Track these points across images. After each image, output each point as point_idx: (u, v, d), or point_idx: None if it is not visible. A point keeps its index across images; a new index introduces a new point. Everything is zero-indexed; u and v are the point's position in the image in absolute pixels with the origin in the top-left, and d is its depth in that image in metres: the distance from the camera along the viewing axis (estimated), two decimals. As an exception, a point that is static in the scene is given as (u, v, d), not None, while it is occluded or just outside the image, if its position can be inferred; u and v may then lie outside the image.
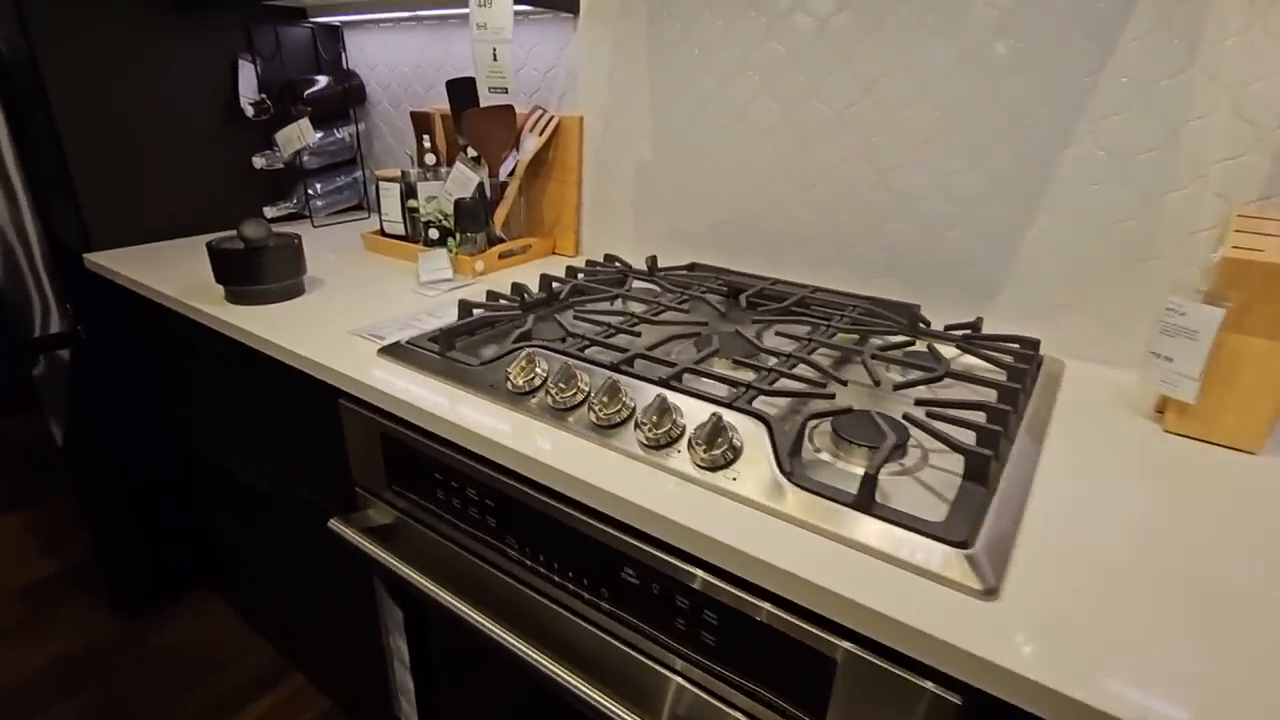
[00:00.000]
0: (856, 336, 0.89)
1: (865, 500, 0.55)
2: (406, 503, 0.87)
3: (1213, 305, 0.66)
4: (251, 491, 1.25)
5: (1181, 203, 0.82)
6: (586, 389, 0.72)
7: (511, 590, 0.77)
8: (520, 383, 0.74)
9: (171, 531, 1.62)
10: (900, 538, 0.53)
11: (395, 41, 1.56)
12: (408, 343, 0.88)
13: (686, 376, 0.73)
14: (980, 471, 0.58)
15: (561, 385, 0.71)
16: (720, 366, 0.82)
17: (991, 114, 0.91)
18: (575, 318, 0.90)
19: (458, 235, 1.23)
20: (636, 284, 1.13)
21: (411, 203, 1.30)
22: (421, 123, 1.39)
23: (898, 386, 0.71)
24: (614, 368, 0.74)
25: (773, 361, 0.77)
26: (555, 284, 1.07)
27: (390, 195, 1.33)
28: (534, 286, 1.10)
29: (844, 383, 0.71)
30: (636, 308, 0.98)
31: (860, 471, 0.57)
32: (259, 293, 1.05)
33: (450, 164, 1.28)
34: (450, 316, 0.99)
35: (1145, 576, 0.51)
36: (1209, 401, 0.69)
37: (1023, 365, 0.78)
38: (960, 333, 0.91)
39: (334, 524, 0.87)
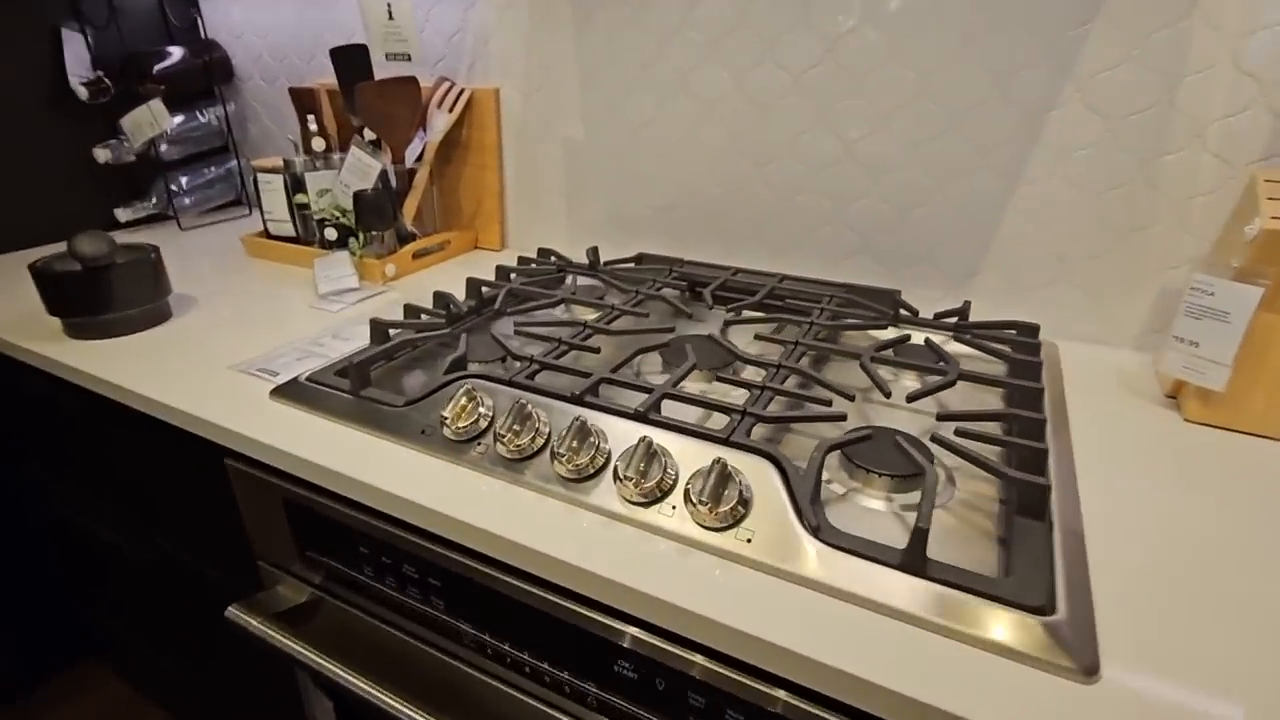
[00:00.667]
0: (844, 334, 0.79)
1: (916, 561, 0.44)
2: (324, 575, 0.70)
3: (1248, 284, 0.59)
4: (131, 563, 1.04)
5: (1177, 166, 0.75)
6: (546, 430, 0.58)
7: (469, 681, 0.62)
8: (461, 427, 0.59)
9: (39, 606, 1.36)
10: (960, 604, 0.42)
11: (263, 3, 1.31)
12: (309, 379, 0.71)
13: (667, 404, 0.60)
14: (1038, 506, 0.49)
15: (515, 428, 0.57)
16: (699, 383, 0.70)
17: (969, 74, 0.81)
18: (517, 332, 0.75)
19: (361, 235, 1.04)
20: (581, 282, 0.99)
21: (300, 198, 1.09)
22: (304, 101, 1.17)
23: (911, 397, 0.61)
24: (577, 399, 0.60)
25: (761, 375, 0.66)
26: (485, 289, 0.91)
27: (272, 190, 1.12)
28: (460, 293, 0.93)
29: (850, 397, 0.60)
30: (586, 314, 0.84)
31: (880, 505, 0.46)
32: (107, 323, 0.84)
33: (344, 149, 1.08)
34: (361, 339, 0.82)
35: (1251, 614, 0.43)
36: (1234, 386, 0.63)
37: (1031, 358, 0.70)
38: (952, 320, 0.82)
39: (233, 612, 0.69)
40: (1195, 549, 0.49)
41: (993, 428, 0.62)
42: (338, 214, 1.06)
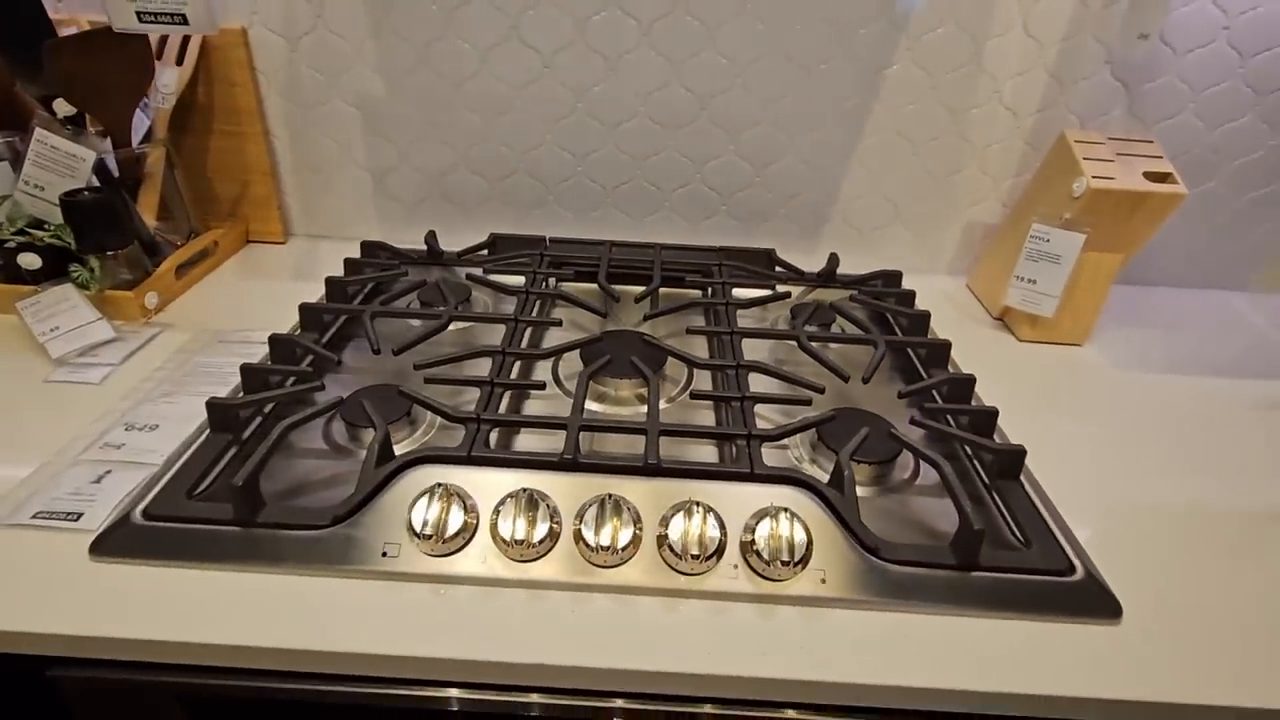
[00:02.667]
0: (758, 310, 0.80)
1: (970, 556, 0.49)
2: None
3: (1075, 231, 0.73)
4: None
5: (981, 118, 0.87)
6: (552, 511, 0.49)
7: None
8: (449, 537, 0.48)
9: None
10: (1006, 587, 0.48)
11: None
12: (146, 514, 0.50)
13: (665, 442, 0.55)
14: (1015, 467, 0.57)
15: (527, 520, 0.47)
16: (675, 403, 0.65)
17: (815, 29, 0.82)
18: (426, 381, 0.61)
19: (91, 262, 0.73)
20: (441, 277, 0.82)
21: (-44, 215, 0.72)
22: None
23: (865, 379, 0.65)
24: (571, 463, 0.52)
25: (722, 379, 0.64)
26: (326, 315, 0.72)
27: (-113, 202, 0.72)
28: (271, 317, 0.73)
29: (820, 389, 0.62)
30: (489, 336, 0.72)
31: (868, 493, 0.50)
32: None
33: (20, 133, 0.72)
34: (173, 420, 0.60)
35: (1195, 520, 0.56)
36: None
37: (915, 311, 0.78)
38: (825, 274, 0.87)
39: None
40: (1113, 470, 0.62)
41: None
42: (38, 232, 0.72)
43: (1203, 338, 0.86)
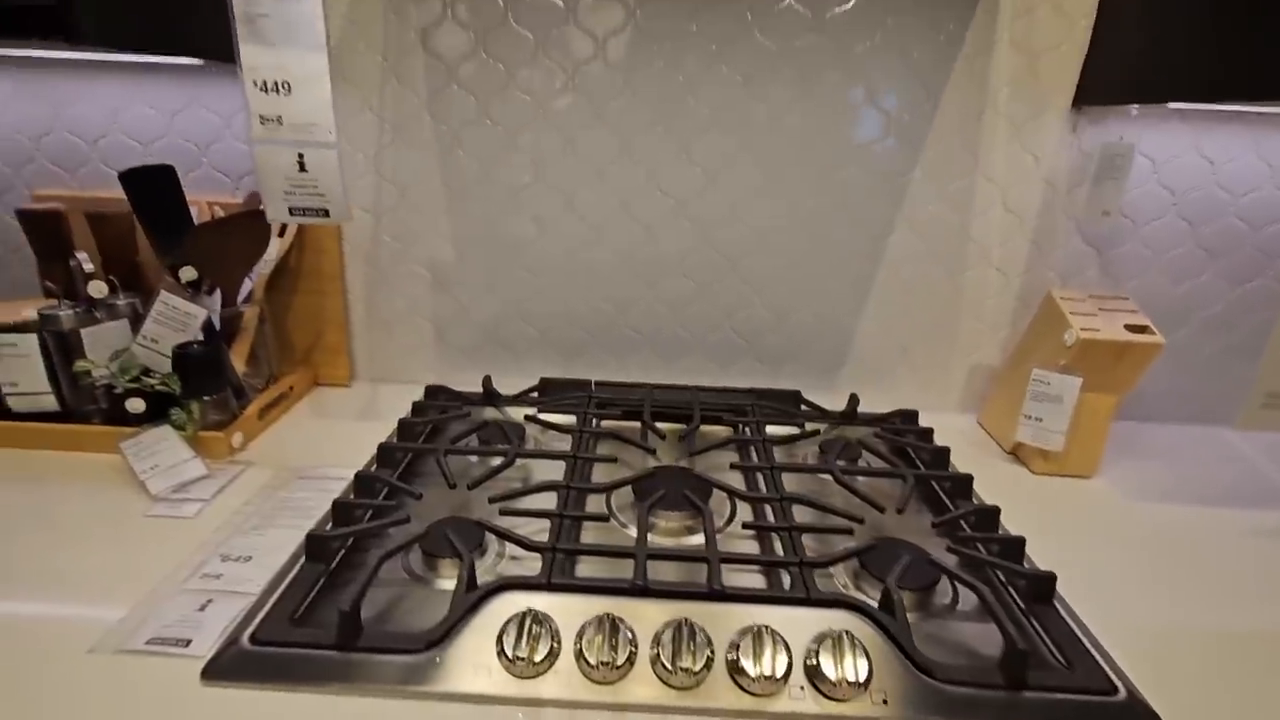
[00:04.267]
0: (790, 446, 0.87)
1: (1019, 677, 0.52)
2: None
3: (1071, 375, 0.82)
4: None
5: (974, 279, 1.00)
6: (631, 637, 0.54)
7: None
8: (537, 661, 0.52)
9: None
10: (1056, 707, 0.52)
11: (-72, 88, 0.94)
12: (253, 640, 0.54)
13: (724, 571, 0.60)
14: (1048, 592, 0.61)
15: (611, 645, 0.52)
16: (723, 534, 0.71)
17: (827, 204, 0.96)
18: (502, 513, 0.67)
19: (190, 405, 0.81)
20: (499, 418, 0.90)
21: (81, 364, 0.81)
22: (47, 227, 0.87)
23: (900, 509, 0.71)
24: (641, 589, 0.57)
25: (767, 511, 0.70)
26: (400, 453, 0.79)
27: (18, 355, 0.81)
28: (340, 450, 0.80)
29: (860, 520, 0.68)
30: (550, 470, 0.78)
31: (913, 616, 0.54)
32: None
33: (127, 289, 0.83)
34: (264, 551, 0.65)
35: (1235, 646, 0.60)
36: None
37: (934, 445, 0.85)
38: (848, 413, 0.95)
39: None
40: (1138, 594, 0.67)
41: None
42: (148, 379, 0.81)
43: (1202, 469, 0.93)
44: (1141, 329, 0.82)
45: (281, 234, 0.94)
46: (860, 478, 0.81)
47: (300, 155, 0.60)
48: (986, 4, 0.86)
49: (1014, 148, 0.93)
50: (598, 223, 0.98)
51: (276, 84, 0.57)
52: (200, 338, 0.84)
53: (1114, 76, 0.83)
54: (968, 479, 0.78)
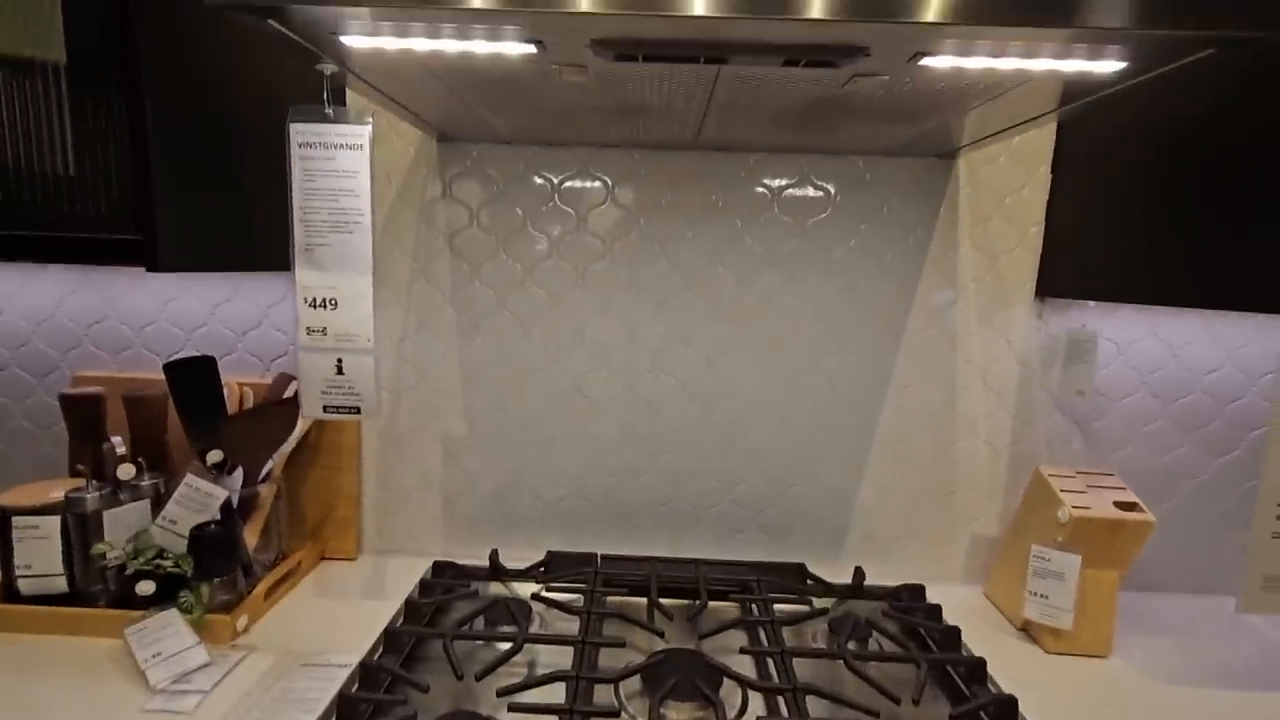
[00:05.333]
0: (798, 625, 0.86)
1: None
2: None
3: (1070, 553, 0.83)
4: None
5: (964, 451, 1.04)
6: None
7: None
8: None
9: None
10: None
11: (10, 282, 1.04)
12: None
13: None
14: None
15: None
16: None
17: (820, 384, 1.03)
18: (511, 709, 0.66)
19: (200, 588, 0.82)
20: (506, 596, 0.90)
21: (100, 546, 0.82)
22: (86, 414, 0.92)
23: (915, 701, 0.69)
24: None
25: (780, 703, 0.68)
26: (406, 638, 0.78)
27: (38, 537, 0.83)
28: (337, 632, 0.78)
29: (875, 714, 0.66)
30: (558, 655, 0.77)
31: None
32: None
33: (154, 469, 0.87)
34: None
35: None
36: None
37: (945, 625, 0.85)
38: (854, 586, 0.95)
39: None
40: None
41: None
42: (162, 561, 0.82)
43: (1218, 646, 0.91)
44: (1131, 506, 0.85)
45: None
46: (873, 663, 0.80)
47: (339, 359, 0.66)
48: (947, 214, 0.98)
49: (987, 333, 1.01)
50: (604, 402, 1.04)
51: (325, 300, 0.65)
52: (218, 517, 0.86)
53: (1066, 278, 0.93)
54: (981, 663, 0.77)
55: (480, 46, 0.55)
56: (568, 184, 0.99)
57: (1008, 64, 0.53)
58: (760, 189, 0.99)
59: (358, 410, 0.68)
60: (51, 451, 1.04)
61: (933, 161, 0.97)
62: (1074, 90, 0.61)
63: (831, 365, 1.02)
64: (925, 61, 0.53)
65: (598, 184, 0.99)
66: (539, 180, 0.99)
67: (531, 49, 0.55)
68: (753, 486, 1.05)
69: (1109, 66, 0.53)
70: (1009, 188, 0.97)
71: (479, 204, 1.00)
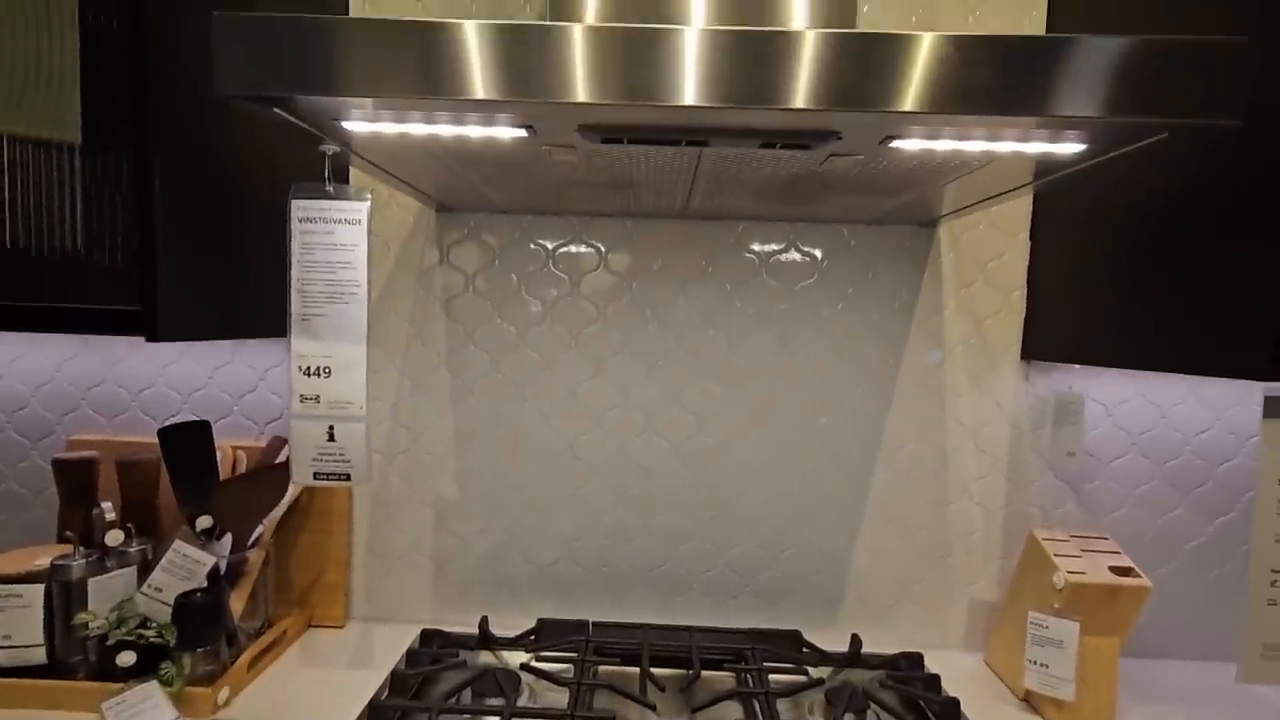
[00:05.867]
0: (794, 697, 0.84)
1: None
2: None
3: (1068, 619, 0.82)
4: None
5: (958, 512, 1.04)
6: None
7: None
8: None
9: None
10: None
11: (13, 346, 1.06)
12: None
13: None
14: None
15: None
16: None
17: (814, 445, 1.03)
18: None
19: (182, 659, 0.80)
20: (495, 666, 0.88)
21: (83, 616, 0.81)
22: (79, 476, 0.93)
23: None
24: None
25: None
26: (392, 712, 0.76)
27: (20, 606, 0.82)
28: (348, 711, 0.76)
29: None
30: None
31: None
32: None
33: (142, 534, 0.86)
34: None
35: None
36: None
37: (943, 696, 0.83)
38: (851, 653, 0.93)
39: None
40: None
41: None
42: (146, 630, 0.81)
43: (1223, 715, 0.89)
44: (1126, 571, 0.84)
45: (297, 477, 1.00)
46: (868, 736, 0.78)
47: (331, 426, 0.67)
48: (931, 278, 1.00)
49: (976, 395, 1.02)
50: (597, 463, 1.04)
51: (319, 369, 0.66)
52: (205, 584, 0.85)
53: (1050, 341, 0.95)
54: (980, 738, 0.75)
55: (474, 131, 0.57)
56: (561, 250, 1.02)
57: (974, 146, 0.56)
58: (749, 255, 1.01)
59: (348, 477, 0.68)
60: (43, 516, 1.04)
61: (915, 229, 1.00)
62: (1044, 167, 0.64)
63: (823, 426, 1.03)
64: (896, 144, 0.56)
65: (591, 250, 1.02)
66: (534, 247, 1.02)
67: (523, 133, 0.58)
68: (746, 550, 1.04)
69: (1071, 148, 0.56)
70: (990, 254, 1.00)
71: (475, 270, 1.02)
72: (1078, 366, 0.99)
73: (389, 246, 1.02)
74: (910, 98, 0.49)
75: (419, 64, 0.49)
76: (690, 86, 0.48)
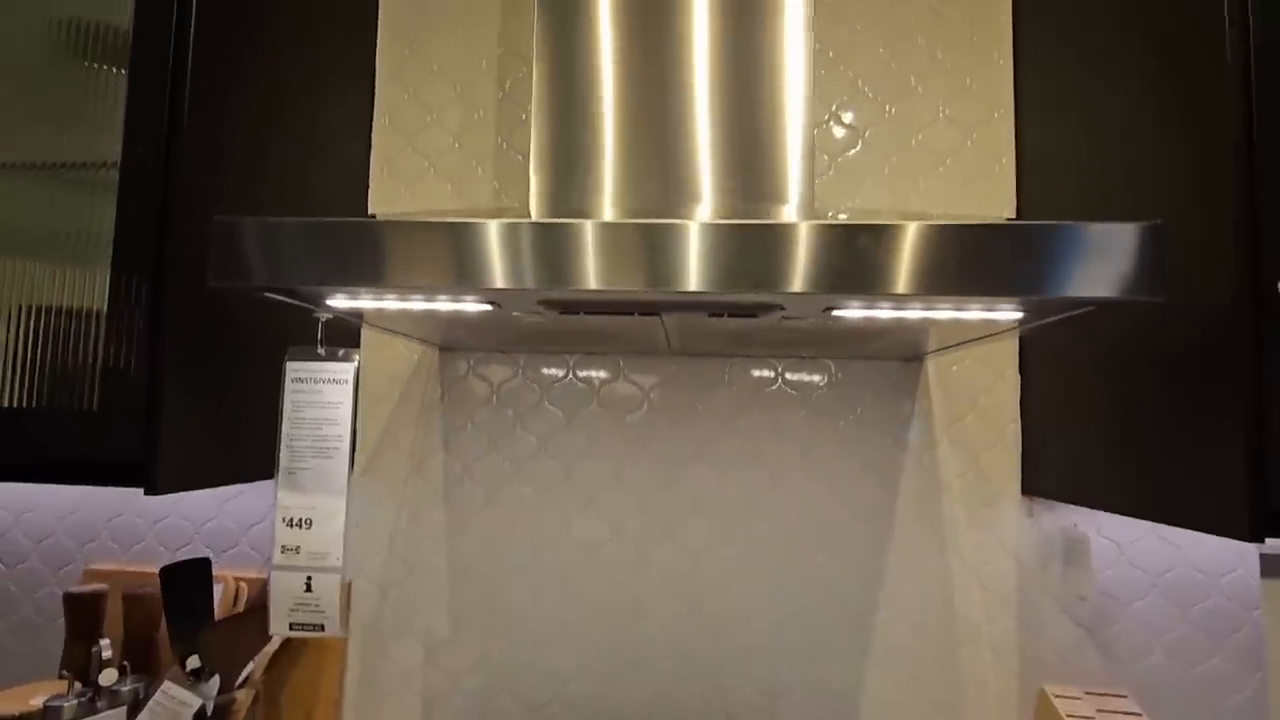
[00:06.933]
0: None
1: None
2: None
3: (1083, 795, 0.75)
4: None
5: (968, 656, 0.98)
6: None
7: None
8: None
9: None
10: None
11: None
12: None
13: None
14: None
15: None
16: None
17: (811, 580, 1.00)
18: None
19: (157, 809, 0.79)
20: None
21: (65, 762, 0.82)
22: (86, 613, 0.96)
23: None
24: None
25: None
26: None
27: (11, 747, 0.83)
28: None
29: None
30: None
31: None
32: None
33: (136, 671, 0.88)
34: None
35: None
36: None
37: None
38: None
39: None
40: None
41: None
42: (123, 780, 0.81)
43: None
44: (1146, 737, 0.77)
45: (293, 611, 1.01)
46: None
47: (309, 577, 0.69)
48: (921, 411, 1.00)
49: (976, 531, 0.99)
50: (589, 598, 1.03)
51: (301, 520, 0.69)
52: (189, 728, 0.85)
53: (1048, 478, 0.93)
54: None
55: (444, 306, 0.63)
56: (556, 386, 1.06)
57: (914, 314, 0.58)
58: (737, 389, 1.03)
59: (322, 628, 0.70)
60: (52, 644, 1.06)
61: (902, 364, 1.01)
62: (993, 325, 0.66)
63: (820, 563, 1.00)
64: (837, 313, 0.59)
65: (584, 387, 1.05)
66: (529, 383, 1.06)
67: (489, 307, 0.62)
68: (744, 696, 1.00)
69: (1007, 315, 0.57)
70: (979, 388, 1.00)
71: (474, 406, 1.06)
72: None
73: (394, 384, 1.08)
74: (827, 279, 0.51)
75: (375, 259, 0.54)
76: (595, 273, 0.53)
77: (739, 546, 1.02)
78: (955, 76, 1.04)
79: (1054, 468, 0.92)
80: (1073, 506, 0.96)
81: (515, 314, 0.67)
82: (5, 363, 0.77)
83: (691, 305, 0.59)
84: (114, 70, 0.76)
